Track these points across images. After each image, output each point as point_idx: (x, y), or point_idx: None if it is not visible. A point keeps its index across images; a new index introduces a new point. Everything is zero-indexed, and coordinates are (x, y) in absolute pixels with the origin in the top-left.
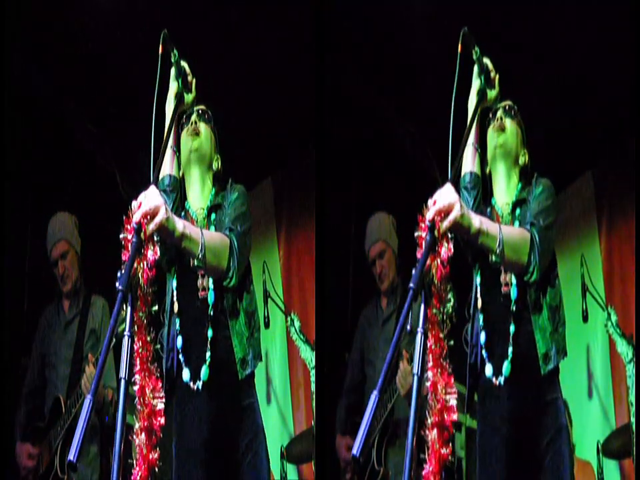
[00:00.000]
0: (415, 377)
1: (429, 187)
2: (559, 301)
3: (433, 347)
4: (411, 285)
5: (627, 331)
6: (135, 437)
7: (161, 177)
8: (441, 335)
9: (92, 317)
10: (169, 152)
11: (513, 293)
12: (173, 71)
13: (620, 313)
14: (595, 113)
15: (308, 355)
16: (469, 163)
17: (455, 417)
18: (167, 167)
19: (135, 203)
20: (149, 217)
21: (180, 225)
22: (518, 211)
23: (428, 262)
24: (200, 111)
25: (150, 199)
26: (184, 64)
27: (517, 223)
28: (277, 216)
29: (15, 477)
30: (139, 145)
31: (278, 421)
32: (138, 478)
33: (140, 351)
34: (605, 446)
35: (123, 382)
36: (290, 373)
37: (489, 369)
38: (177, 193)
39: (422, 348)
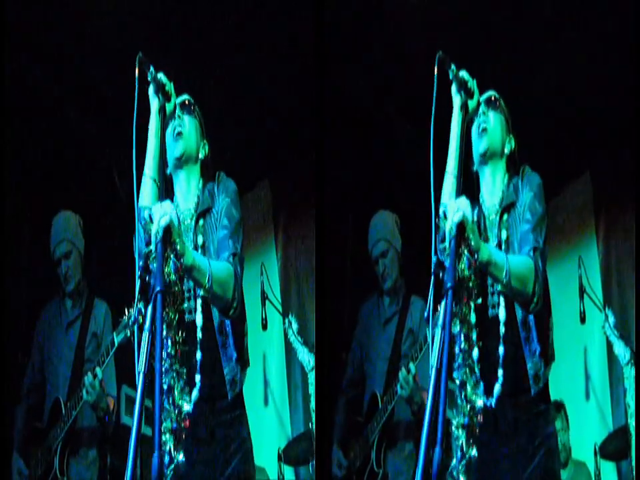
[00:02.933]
0: (434, 370)
1: (429, 186)
2: (548, 313)
3: (462, 345)
4: (449, 284)
5: (624, 332)
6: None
7: (139, 206)
8: (471, 334)
9: (94, 320)
10: (148, 182)
11: (502, 315)
12: (151, 88)
13: (617, 314)
14: (594, 113)
15: (305, 357)
16: (448, 193)
17: (482, 418)
18: (143, 198)
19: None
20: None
21: (190, 254)
22: (505, 216)
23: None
24: (184, 103)
25: (163, 209)
26: (160, 76)
27: (504, 231)
28: (275, 217)
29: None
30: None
31: (275, 423)
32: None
33: (170, 351)
34: (602, 448)
35: (141, 376)
36: (287, 375)
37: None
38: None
39: (443, 343)
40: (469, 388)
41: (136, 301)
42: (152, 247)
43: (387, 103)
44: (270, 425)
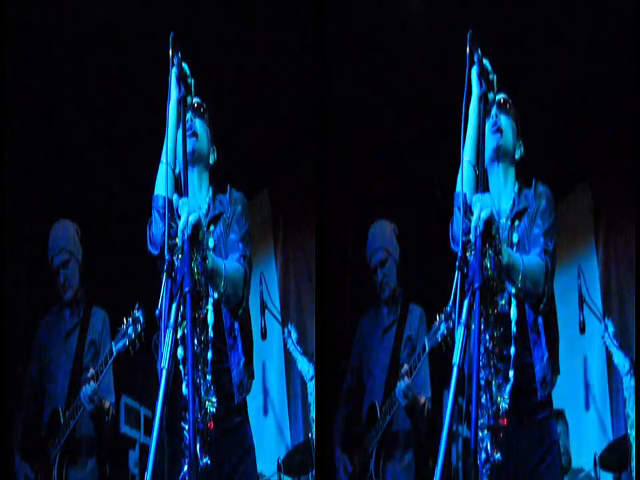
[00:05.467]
0: (455, 368)
1: (430, 196)
2: (555, 322)
3: (487, 344)
4: (477, 283)
5: (623, 342)
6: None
7: (155, 193)
8: (495, 334)
9: (92, 328)
10: (163, 169)
11: (513, 314)
12: (174, 73)
13: (617, 324)
14: (594, 123)
15: (305, 366)
16: (466, 183)
17: (505, 421)
18: (160, 187)
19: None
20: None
21: (210, 256)
22: (517, 222)
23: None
24: (195, 105)
25: (191, 205)
26: (185, 66)
27: (515, 235)
28: (274, 227)
29: None
30: (137, 155)
31: (274, 432)
32: None
33: (196, 349)
34: (601, 458)
35: (164, 372)
36: (287, 385)
37: None
38: (169, 216)
39: (464, 340)
40: (494, 389)
41: (162, 295)
42: (178, 242)
43: (387, 108)
44: (269, 435)
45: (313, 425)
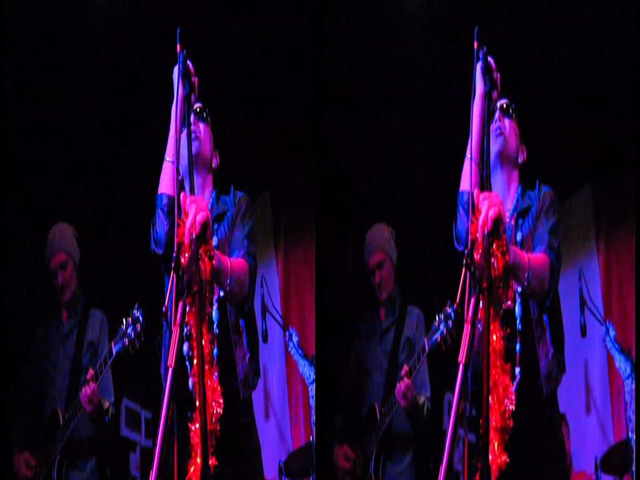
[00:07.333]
0: (461, 366)
1: (428, 199)
2: (560, 318)
3: (494, 344)
4: (485, 283)
5: (625, 346)
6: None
7: (159, 194)
8: (502, 334)
9: (90, 329)
10: (168, 166)
11: (518, 311)
12: (177, 69)
13: (618, 327)
14: (596, 125)
15: (306, 369)
16: (468, 180)
17: (511, 423)
18: (164, 185)
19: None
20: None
21: (216, 258)
22: (520, 221)
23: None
24: (198, 109)
25: (199, 204)
26: (189, 63)
27: (519, 234)
28: (275, 230)
29: None
30: (137, 157)
31: (276, 436)
32: None
33: (203, 349)
34: (603, 461)
35: (170, 370)
36: (288, 388)
37: None
38: (173, 215)
39: (470, 338)
40: (501, 389)
41: (168, 293)
42: (185, 241)
43: (389, 115)
44: (271, 438)
45: (314, 429)
